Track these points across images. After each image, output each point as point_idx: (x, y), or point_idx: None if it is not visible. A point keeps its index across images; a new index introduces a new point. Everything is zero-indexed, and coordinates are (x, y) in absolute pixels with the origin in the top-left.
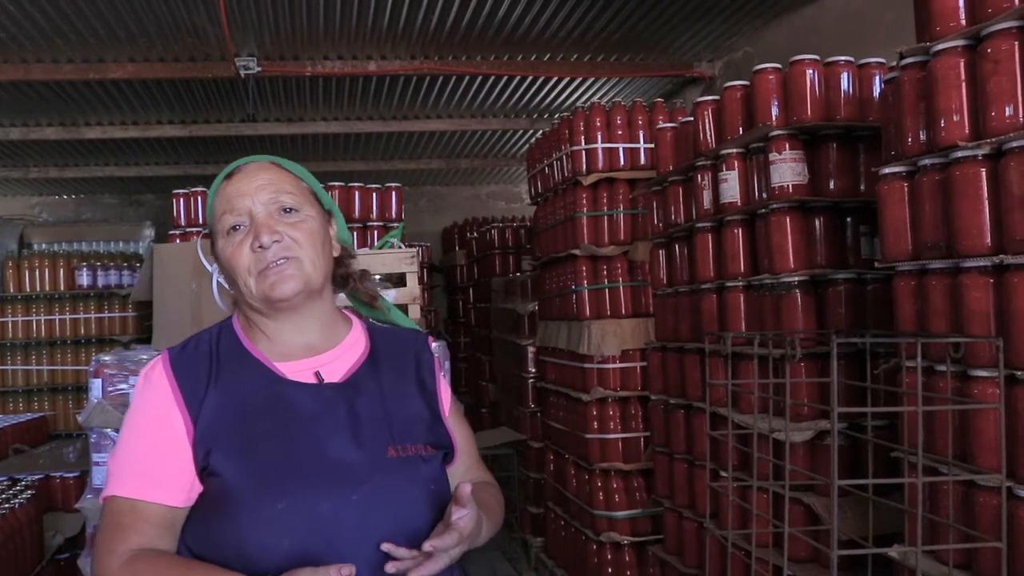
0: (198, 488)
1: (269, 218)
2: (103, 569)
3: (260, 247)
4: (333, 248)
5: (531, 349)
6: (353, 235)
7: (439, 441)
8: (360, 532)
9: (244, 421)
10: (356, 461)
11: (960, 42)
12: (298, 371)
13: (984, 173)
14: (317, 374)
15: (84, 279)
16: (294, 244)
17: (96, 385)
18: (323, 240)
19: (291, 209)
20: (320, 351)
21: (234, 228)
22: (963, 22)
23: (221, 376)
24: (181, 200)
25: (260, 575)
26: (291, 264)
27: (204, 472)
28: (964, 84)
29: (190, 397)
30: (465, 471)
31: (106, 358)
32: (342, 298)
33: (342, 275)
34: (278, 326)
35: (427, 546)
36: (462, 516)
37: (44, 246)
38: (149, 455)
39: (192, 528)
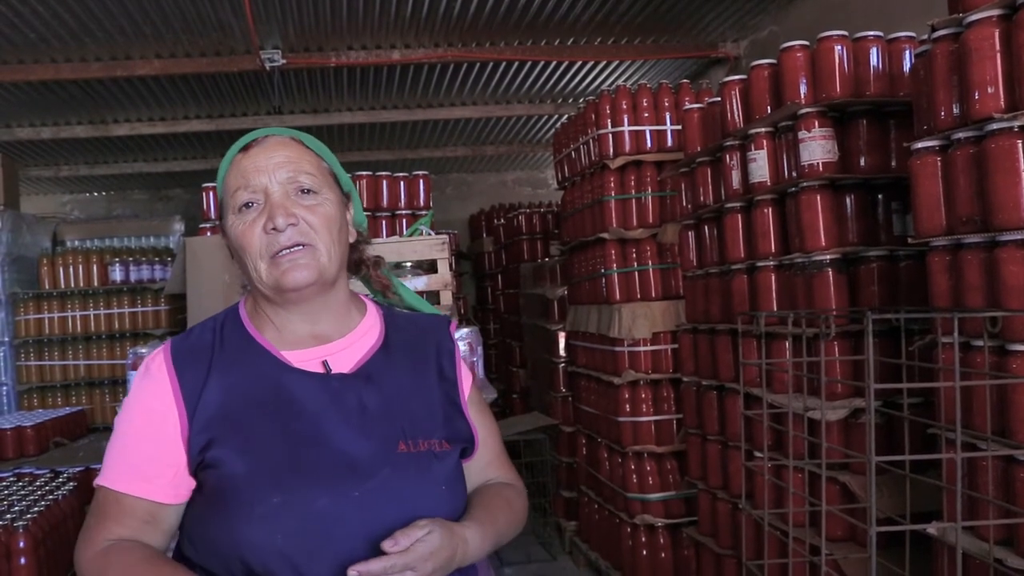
0: (189, 485)
1: (286, 199)
2: (79, 555)
3: (274, 229)
4: (350, 233)
5: (561, 334)
6: (382, 224)
7: (457, 435)
8: (360, 531)
9: (245, 412)
10: (362, 456)
11: (995, 12)
12: (305, 360)
13: (1020, 145)
14: (325, 364)
15: (117, 274)
16: (310, 230)
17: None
18: (340, 226)
19: (309, 191)
20: (330, 339)
21: (247, 205)
22: None
23: (224, 365)
24: (211, 194)
25: (252, 574)
26: (306, 252)
27: (200, 466)
28: (999, 55)
29: (188, 391)
30: (485, 466)
31: (143, 351)
32: (358, 282)
33: (355, 260)
34: (287, 315)
35: (351, 572)
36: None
37: (77, 243)
38: (138, 450)
39: (191, 524)
